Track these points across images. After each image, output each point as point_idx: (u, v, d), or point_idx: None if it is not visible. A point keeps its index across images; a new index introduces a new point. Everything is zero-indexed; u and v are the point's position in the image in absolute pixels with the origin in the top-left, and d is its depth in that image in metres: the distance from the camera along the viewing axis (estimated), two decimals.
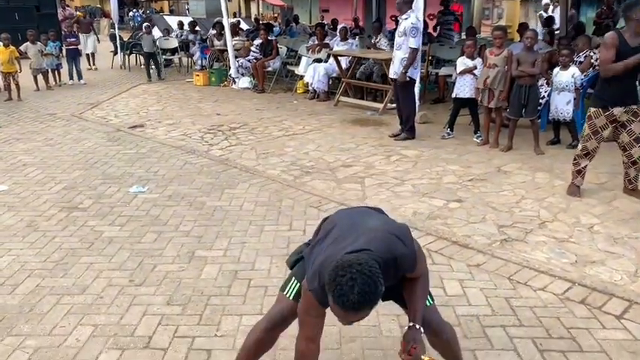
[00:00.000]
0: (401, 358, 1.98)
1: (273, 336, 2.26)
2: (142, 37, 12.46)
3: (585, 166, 4.80)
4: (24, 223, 4.34)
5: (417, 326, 1.99)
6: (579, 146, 4.81)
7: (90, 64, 13.73)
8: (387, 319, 2.96)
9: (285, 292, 2.22)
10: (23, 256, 3.76)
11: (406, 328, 2.01)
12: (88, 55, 13.71)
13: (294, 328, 2.75)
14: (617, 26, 9.14)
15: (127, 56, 14.19)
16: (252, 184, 5.27)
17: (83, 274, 3.51)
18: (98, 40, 14.99)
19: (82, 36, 13.55)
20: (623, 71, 4.35)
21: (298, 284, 2.17)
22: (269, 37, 11.03)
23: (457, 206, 4.64)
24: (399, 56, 6.79)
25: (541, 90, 6.67)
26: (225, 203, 4.77)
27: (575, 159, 4.84)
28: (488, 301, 3.17)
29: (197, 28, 14.58)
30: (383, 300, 2.35)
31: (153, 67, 12.29)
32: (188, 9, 30.36)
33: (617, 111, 4.51)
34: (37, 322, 2.95)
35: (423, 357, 1.99)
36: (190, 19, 17.55)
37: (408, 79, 6.77)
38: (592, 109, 4.64)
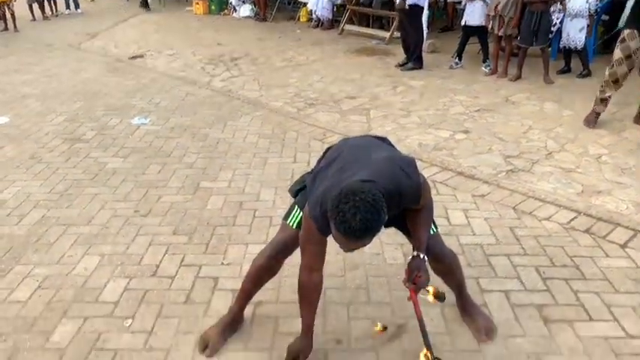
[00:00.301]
0: (405, 286, 1.99)
1: (277, 263, 2.27)
2: None
3: (610, 96, 4.58)
4: (27, 155, 4.32)
5: (421, 255, 1.99)
6: (607, 72, 4.51)
7: None
8: (391, 247, 2.98)
9: (288, 221, 2.21)
10: (28, 187, 3.76)
11: (410, 257, 2.01)
12: None
13: (298, 255, 2.78)
14: None
15: None
16: (255, 116, 5.20)
17: (88, 205, 3.52)
18: None
19: None
20: None
21: (301, 213, 2.16)
22: None
23: (463, 137, 4.58)
24: None
25: (553, 17, 6.42)
26: (229, 135, 4.72)
27: (601, 86, 4.59)
28: (493, 231, 3.17)
29: None
30: (385, 227, 2.35)
31: None
32: None
33: None
34: (45, 252, 2.99)
35: (427, 287, 1.99)
36: None
37: (407, 7, 6.51)
38: (626, 31, 4.32)
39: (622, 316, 2.45)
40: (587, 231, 3.15)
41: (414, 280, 1.96)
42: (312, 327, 2.14)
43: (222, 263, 2.89)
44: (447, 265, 2.28)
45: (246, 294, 2.35)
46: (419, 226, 2.04)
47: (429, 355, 1.81)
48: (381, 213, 1.67)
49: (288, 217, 2.21)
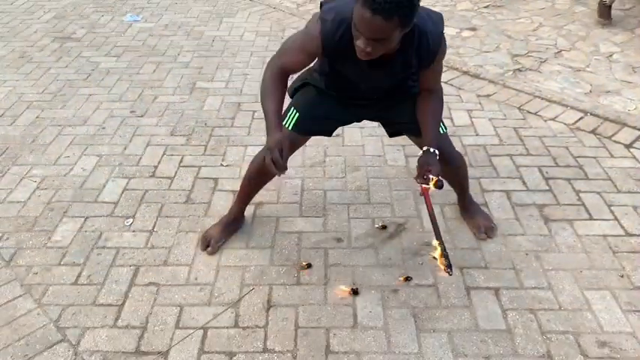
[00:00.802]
0: (417, 182, 1.88)
1: None
2: None
3: None
4: (16, 54, 4.16)
5: (432, 150, 1.88)
6: None
7: None
8: (392, 148, 2.93)
9: (284, 123, 2.09)
10: (19, 87, 3.65)
11: (420, 152, 1.91)
12: None
13: (295, 160, 2.74)
14: None
15: None
16: (252, 12, 4.95)
17: (83, 105, 3.43)
18: None
19: None
20: None
21: (297, 114, 2.07)
22: None
23: (470, 35, 4.38)
24: None
25: None
26: (225, 33, 4.52)
27: None
28: (497, 131, 3.11)
29: None
30: (392, 135, 2.27)
31: None
32: None
33: None
34: (42, 153, 2.95)
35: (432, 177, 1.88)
36: None
37: None
38: None
39: (622, 215, 2.45)
40: (592, 131, 3.09)
41: (424, 175, 1.85)
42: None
43: (222, 164, 2.86)
44: (454, 169, 2.23)
45: (245, 194, 2.33)
46: (430, 117, 1.94)
47: (439, 244, 1.77)
48: None
49: (284, 118, 2.10)
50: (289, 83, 2.03)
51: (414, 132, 2.05)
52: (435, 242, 1.77)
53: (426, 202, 1.87)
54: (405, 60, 1.79)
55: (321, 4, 1.83)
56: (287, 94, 2.15)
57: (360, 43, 1.60)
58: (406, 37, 1.66)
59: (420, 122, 1.96)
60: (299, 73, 2.15)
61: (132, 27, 4.66)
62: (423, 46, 1.76)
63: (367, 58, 1.66)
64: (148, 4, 5.20)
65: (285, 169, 1.75)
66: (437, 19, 1.78)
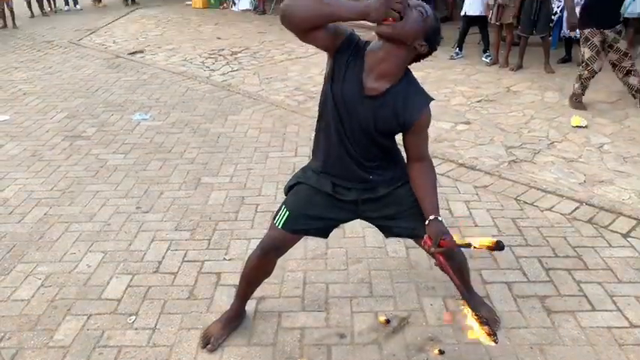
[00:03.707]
0: (430, 252, 1.86)
1: (269, 263, 2.22)
2: None
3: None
4: (28, 153, 4.32)
5: (439, 217, 1.90)
6: (584, 72, 4.72)
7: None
8: (393, 240, 2.97)
9: (274, 221, 2.14)
10: (29, 185, 3.77)
11: (427, 222, 1.91)
12: None
13: (301, 251, 2.79)
14: None
15: None
16: (255, 110, 5.19)
17: (90, 202, 3.52)
18: None
19: None
20: None
21: (287, 213, 2.11)
22: None
23: (465, 128, 4.56)
24: None
25: (553, 6, 6.38)
26: (230, 130, 4.71)
27: (581, 83, 4.78)
28: (495, 222, 3.17)
29: None
30: (388, 235, 2.29)
31: None
32: None
33: (606, 32, 4.51)
34: (48, 250, 2.99)
35: (466, 240, 1.83)
36: None
37: None
38: (587, 31, 4.58)
39: (625, 306, 2.45)
40: (589, 221, 3.14)
41: (440, 243, 1.84)
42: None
43: (225, 259, 2.89)
44: (456, 263, 2.26)
45: (244, 291, 2.33)
46: (428, 187, 1.99)
47: (473, 314, 1.71)
48: None
49: (276, 216, 2.15)
50: None
51: (409, 233, 2.10)
52: (468, 311, 1.74)
53: (446, 271, 1.86)
54: (396, 105, 1.88)
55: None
56: (283, 192, 2.24)
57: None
58: (403, 79, 1.86)
59: (419, 194, 1.99)
60: (295, 172, 2.25)
61: (140, 125, 4.87)
62: (411, 97, 1.89)
63: (388, 24, 1.77)
64: (156, 103, 5.46)
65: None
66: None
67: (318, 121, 2.05)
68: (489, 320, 2.30)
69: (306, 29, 1.78)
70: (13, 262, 2.89)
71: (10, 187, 3.74)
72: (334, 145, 1.99)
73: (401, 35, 1.79)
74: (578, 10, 4.84)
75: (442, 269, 1.87)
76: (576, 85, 4.84)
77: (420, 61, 1.91)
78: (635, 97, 4.81)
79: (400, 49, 1.82)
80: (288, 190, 2.20)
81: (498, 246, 1.76)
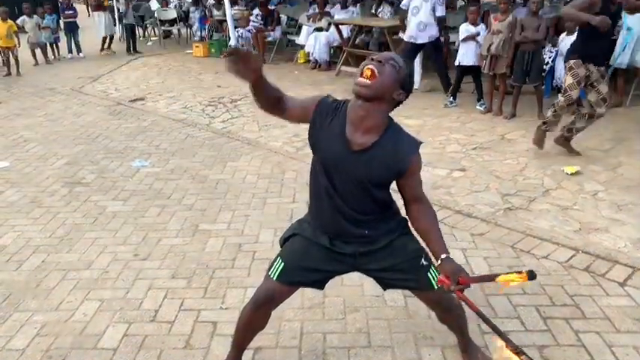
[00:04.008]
0: (450, 290, 1.86)
1: (262, 315, 2.19)
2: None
3: (561, 116, 4.84)
4: (27, 199, 4.35)
5: (450, 255, 1.91)
6: (561, 98, 4.73)
7: (105, 47, 12.16)
8: (391, 289, 2.97)
9: (269, 272, 2.14)
10: (28, 232, 3.78)
11: (439, 262, 1.92)
12: (104, 37, 12.08)
13: (298, 299, 2.78)
14: None
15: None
16: (254, 156, 5.26)
17: (88, 249, 3.53)
18: (115, 20, 13.09)
19: (95, 15, 12.22)
20: (582, 23, 4.43)
21: (282, 264, 2.12)
22: (269, 7, 10.86)
23: (460, 175, 4.62)
24: (415, 21, 6.87)
25: (545, 56, 6.57)
26: (228, 176, 4.76)
27: (554, 110, 4.80)
28: (492, 270, 3.17)
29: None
30: (385, 287, 2.29)
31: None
32: None
33: (591, 67, 4.55)
34: (44, 298, 2.98)
35: (501, 277, 1.79)
36: None
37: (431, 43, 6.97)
38: (572, 61, 4.63)
39: (624, 356, 2.44)
40: (586, 269, 3.16)
41: (460, 281, 1.85)
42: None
43: (222, 307, 2.88)
44: (454, 315, 2.27)
45: (240, 342, 2.31)
46: (430, 226, 2.01)
47: (509, 348, 1.69)
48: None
49: (271, 268, 2.15)
50: None
51: (405, 284, 2.14)
52: (500, 343, 1.72)
53: (471, 307, 1.86)
54: (386, 155, 1.92)
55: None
56: (279, 243, 2.24)
57: (365, 62, 1.86)
58: (389, 129, 1.93)
59: (424, 236, 2.02)
60: (291, 224, 2.28)
61: (139, 172, 4.92)
62: (399, 144, 1.93)
63: (365, 86, 1.85)
64: (156, 149, 5.53)
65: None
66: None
67: (310, 188, 2.13)
68: None
69: (268, 108, 2.00)
70: (8, 310, 2.87)
71: (8, 234, 3.75)
72: (327, 208, 2.04)
73: (379, 93, 1.87)
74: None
75: (467, 304, 1.88)
76: (549, 113, 4.86)
77: (399, 106, 1.98)
78: (549, 130, 4.89)
79: (381, 104, 1.90)
80: (284, 241, 2.22)
81: (532, 276, 1.75)
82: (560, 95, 4.80)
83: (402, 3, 7.41)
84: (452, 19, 9.57)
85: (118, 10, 13.45)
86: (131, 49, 11.99)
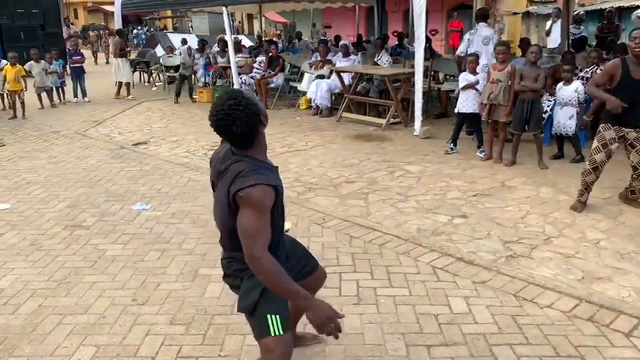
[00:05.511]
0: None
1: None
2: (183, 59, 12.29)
3: (593, 182, 4.74)
4: (27, 242, 4.33)
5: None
6: (587, 161, 4.76)
7: (124, 93, 12.23)
8: (392, 337, 2.93)
9: (274, 334, 2.12)
10: (26, 275, 3.75)
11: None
12: (120, 83, 12.17)
13: (295, 354, 2.73)
14: (620, 42, 9.15)
15: (132, 73, 13.83)
16: None
17: (86, 293, 3.49)
18: (132, 67, 13.17)
19: (114, 61, 12.40)
20: (600, 101, 4.57)
21: (279, 316, 2.13)
22: (276, 49, 11.17)
23: (462, 222, 4.61)
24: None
25: (544, 105, 6.67)
26: None
27: (583, 174, 4.78)
28: (495, 319, 3.13)
29: (205, 47, 13.90)
30: None
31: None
32: (192, 26, 30.68)
33: (626, 129, 4.57)
34: (40, 343, 2.93)
35: None
36: (194, 36, 17.68)
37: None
38: (602, 125, 4.66)
39: None
40: (590, 319, 3.11)
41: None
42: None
43: (220, 355, 2.83)
44: None
45: None
46: None
47: None
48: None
49: (268, 329, 2.13)
50: None
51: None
52: None
53: None
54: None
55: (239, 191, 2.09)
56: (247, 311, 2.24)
57: None
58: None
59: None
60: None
61: (140, 215, 4.92)
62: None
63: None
64: (157, 193, 5.54)
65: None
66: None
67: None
68: None
69: None
70: (3, 355, 2.82)
71: (6, 277, 3.72)
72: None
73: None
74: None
75: None
76: (580, 184, 4.80)
77: None
78: (580, 201, 4.81)
79: None
80: (254, 305, 2.19)
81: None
82: (587, 159, 4.83)
83: (459, 50, 7.86)
84: (451, 67, 9.79)
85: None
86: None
